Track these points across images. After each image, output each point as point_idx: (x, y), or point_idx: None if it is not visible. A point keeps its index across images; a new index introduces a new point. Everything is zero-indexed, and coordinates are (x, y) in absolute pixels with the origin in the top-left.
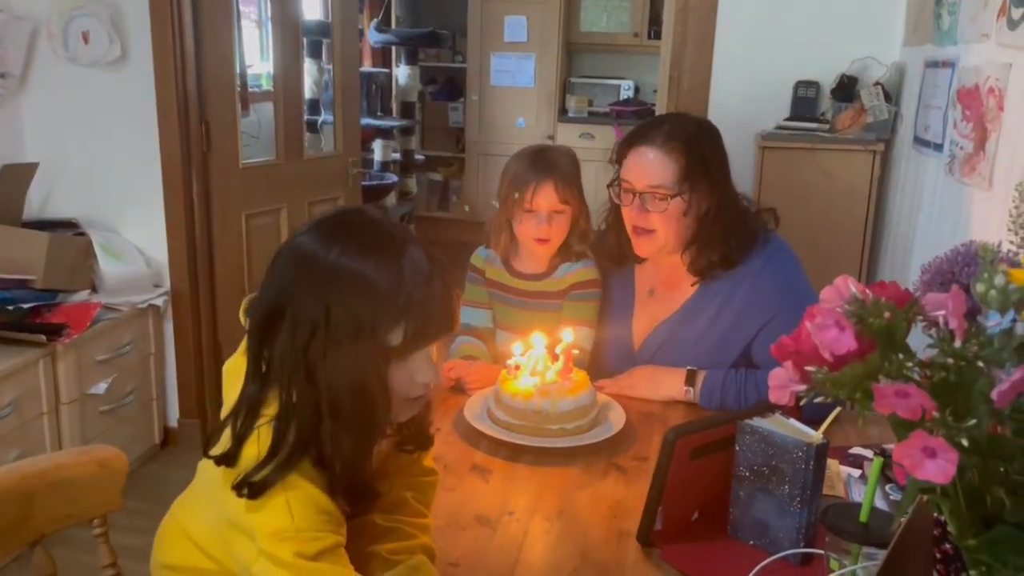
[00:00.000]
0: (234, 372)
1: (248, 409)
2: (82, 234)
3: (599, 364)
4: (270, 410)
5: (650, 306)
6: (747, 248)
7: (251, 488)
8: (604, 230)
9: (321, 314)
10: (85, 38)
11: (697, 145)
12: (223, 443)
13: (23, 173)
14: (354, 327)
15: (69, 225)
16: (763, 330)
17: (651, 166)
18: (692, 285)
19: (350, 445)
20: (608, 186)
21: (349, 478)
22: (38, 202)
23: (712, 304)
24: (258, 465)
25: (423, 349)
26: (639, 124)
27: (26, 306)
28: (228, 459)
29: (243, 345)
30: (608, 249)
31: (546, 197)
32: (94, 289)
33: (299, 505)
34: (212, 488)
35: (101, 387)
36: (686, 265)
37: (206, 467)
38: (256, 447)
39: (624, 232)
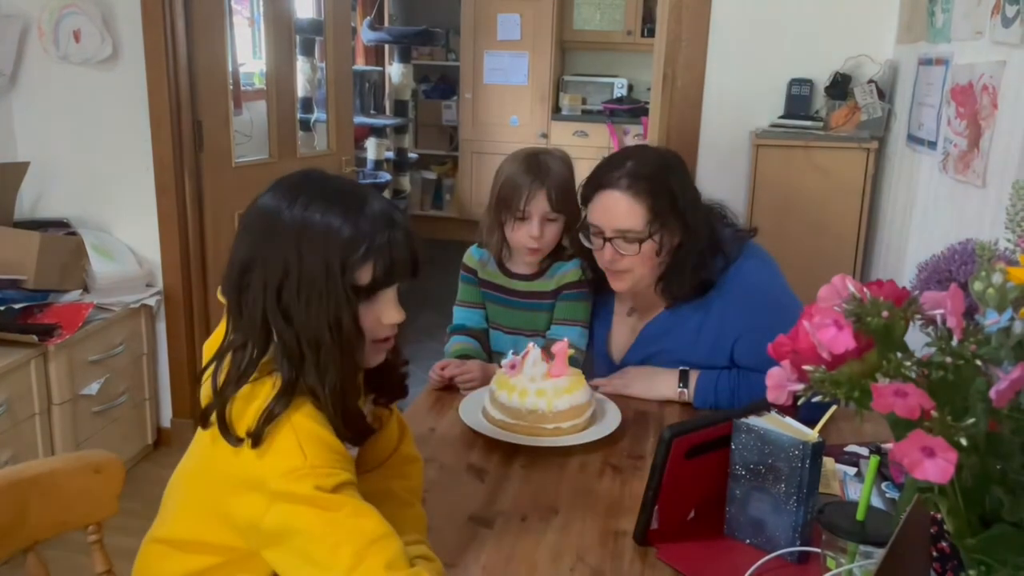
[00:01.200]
0: (212, 348)
1: (232, 358)
2: (74, 234)
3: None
4: (251, 356)
5: (629, 322)
6: (721, 269)
7: (253, 434)
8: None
9: (293, 260)
10: (76, 36)
11: (663, 183)
12: (205, 398)
13: (14, 172)
14: (324, 269)
15: (60, 225)
16: (739, 338)
17: (618, 210)
18: (667, 308)
19: (335, 376)
20: (577, 230)
21: (340, 409)
22: (29, 202)
23: (691, 319)
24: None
25: (388, 291)
26: (601, 163)
27: (17, 306)
28: (212, 411)
29: (221, 324)
30: (589, 283)
31: (539, 205)
32: (86, 289)
33: (310, 444)
34: (200, 467)
35: (93, 387)
36: (659, 294)
37: (189, 460)
38: (247, 391)
39: (596, 268)
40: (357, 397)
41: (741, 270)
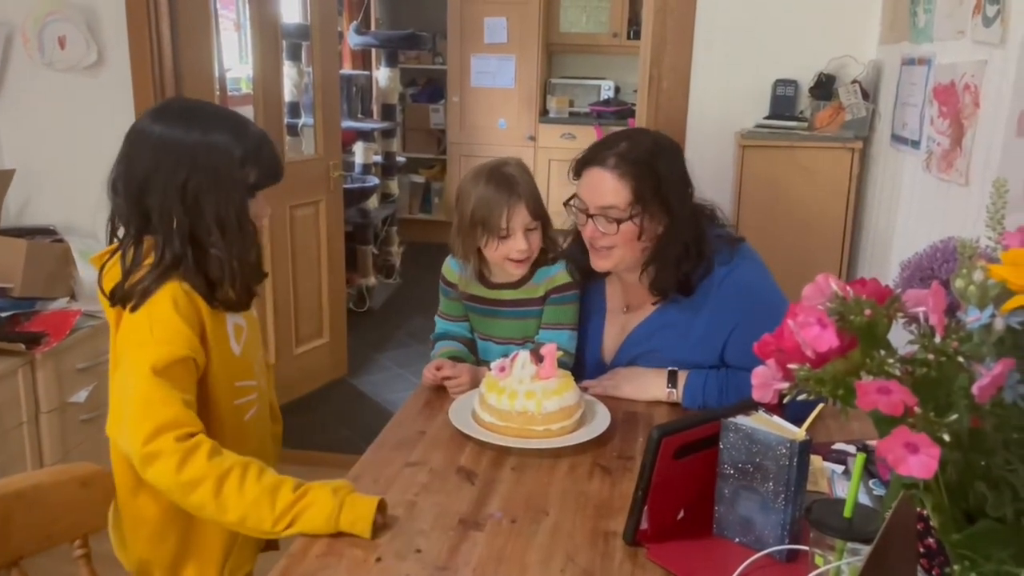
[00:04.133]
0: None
1: (135, 248)
2: (60, 241)
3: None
4: (150, 249)
5: (620, 319)
6: (706, 271)
7: (134, 295)
8: (571, 243)
9: (199, 166)
10: (61, 43)
11: (650, 167)
12: (112, 280)
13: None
14: (228, 172)
15: (47, 232)
16: (731, 337)
17: (602, 188)
18: (653, 304)
19: (238, 248)
20: (565, 204)
21: (238, 275)
22: (15, 209)
23: (681, 318)
24: (142, 278)
25: (261, 192)
26: (597, 141)
27: (4, 314)
28: (119, 288)
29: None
30: (578, 263)
31: (520, 219)
32: (73, 296)
33: (158, 323)
34: (115, 392)
35: (81, 395)
36: (646, 286)
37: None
38: (142, 271)
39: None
40: (255, 269)
41: (735, 270)
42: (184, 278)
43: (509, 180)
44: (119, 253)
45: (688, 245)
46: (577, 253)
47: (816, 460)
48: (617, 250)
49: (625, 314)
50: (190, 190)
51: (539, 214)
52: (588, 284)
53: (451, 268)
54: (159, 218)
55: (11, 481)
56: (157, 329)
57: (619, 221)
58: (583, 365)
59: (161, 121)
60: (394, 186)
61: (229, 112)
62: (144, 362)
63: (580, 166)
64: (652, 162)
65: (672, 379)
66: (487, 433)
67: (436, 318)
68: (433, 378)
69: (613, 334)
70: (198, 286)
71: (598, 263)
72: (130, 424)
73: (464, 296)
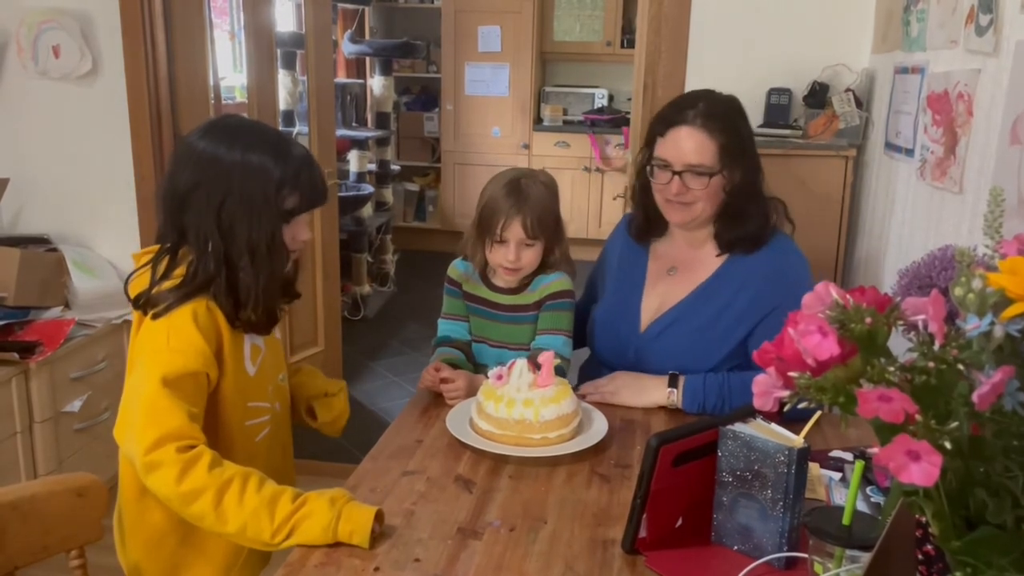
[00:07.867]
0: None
1: (169, 259)
2: (54, 250)
3: (602, 341)
4: (183, 259)
5: (663, 286)
6: (768, 227)
7: (156, 305)
8: (632, 212)
9: (236, 189)
10: (55, 52)
11: (734, 123)
12: (141, 285)
13: None
14: (263, 197)
15: (41, 241)
16: (763, 321)
17: (690, 145)
18: (717, 256)
19: (267, 275)
20: (644, 166)
21: (265, 300)
22: (9, 218)
23: (728, 288)
24: (170, 289)
25: (303, 216)
26: (671, 103)
27: None
28: (146, 294)
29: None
30: (634, 226)
31: (515, 231)
32: (67, 305)
33: (176, 334)
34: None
35: (76, 405)
36: (714, 235)
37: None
38: (171, 282)
39: (650, 208)
40: (278, 290)
41: (792, 254)
42: (213, 298)
43: (521, 192)
44: (151, 263)
45: (758, 194)
46: (638, 217)
47: (814, 468)
48: (699, 204)
49: (669, 276)
50: (225, 214)
51: (539, 234)
52: (626, 251)
53: (455, 267)
54: (195, 238)
55: (5, 492)
56: (174, 339)
57: (710, 175)
58: (616, 333)
59: (207, 138)
60: (388, 194)
61: (275, 133)
62: (156, 370)
63: (662, 127)
64: (733, 117)
65: (672, 383)
66: (485, 441)
67: (439, 320)
68: (432, 379)
69: (653, 301)
70: (224, 306)
71: (677, 216)
72: (135, 431)
73: (466, 296)
